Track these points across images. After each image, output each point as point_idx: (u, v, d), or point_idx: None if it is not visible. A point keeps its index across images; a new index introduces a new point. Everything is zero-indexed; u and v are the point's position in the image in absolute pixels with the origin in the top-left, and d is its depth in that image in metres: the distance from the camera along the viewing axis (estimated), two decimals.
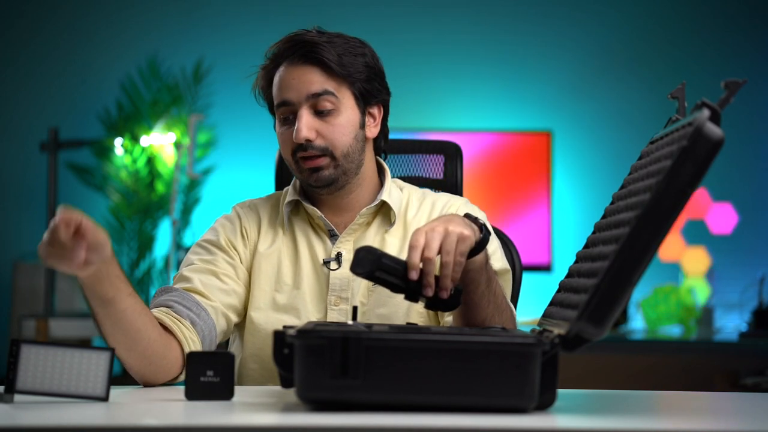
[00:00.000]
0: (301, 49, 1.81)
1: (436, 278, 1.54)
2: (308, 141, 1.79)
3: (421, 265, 1.54)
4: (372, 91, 1.86)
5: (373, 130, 1.88)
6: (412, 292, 1.55)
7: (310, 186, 1.85)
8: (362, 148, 1.86)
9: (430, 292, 1.53)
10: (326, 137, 1.80)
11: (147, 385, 1.69)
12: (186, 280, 1.82)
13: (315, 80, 1.80)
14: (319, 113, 1.80)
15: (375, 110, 1.88)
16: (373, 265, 1.53)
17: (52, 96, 5.12)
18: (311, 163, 1.81)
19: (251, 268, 1.88)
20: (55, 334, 4.36)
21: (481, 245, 1.61)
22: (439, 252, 1.54)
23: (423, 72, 4.99)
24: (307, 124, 1.79)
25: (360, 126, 1.85)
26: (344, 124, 1.82)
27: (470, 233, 1.56)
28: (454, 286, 1.55)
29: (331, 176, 1.82)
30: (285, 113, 1.82)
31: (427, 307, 1.57)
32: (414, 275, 1.53)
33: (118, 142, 4.72)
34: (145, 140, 4.72)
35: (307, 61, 1.81)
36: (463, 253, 1.55)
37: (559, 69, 5.03)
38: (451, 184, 2.14)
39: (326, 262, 1.85)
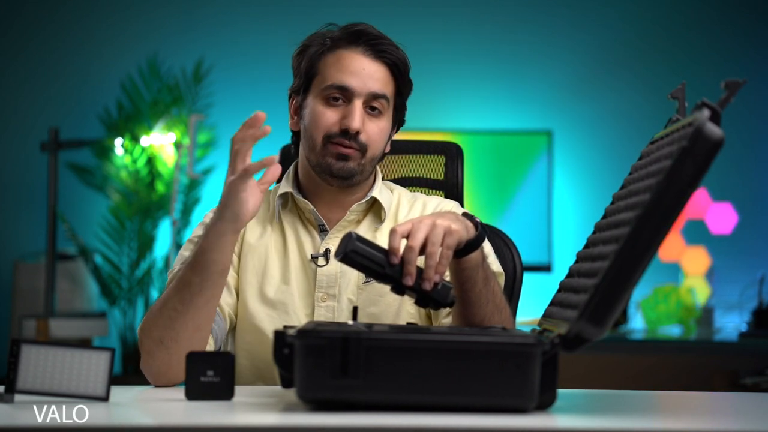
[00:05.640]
0: (378, 45, 1.82)
1: (421, 271, 1.53)
2: (357, 133, 1.79)
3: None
4: (403, 109, 1.90)
5: (388, 146, 1.90)
6: (393, 280, 1.53)
7: (328, 173, 1.82)
8: (381, 158, 1.88)
9: (410, 281, 1.51)
10: (369, 135, 1.81)
11: (161, 384, 1.68)
12: None
13: (381, 79, 1.81)
14: (368, 111, 1.81)
15: (394, 129, 1.91)
16: (345, 247, 1.52)
17: (52, 96, 5.12)
18: (344, 150, 1.80)
19: (239, 259, 1.88)
20: (55, 334, 4.36)
21: (476, 242, 1.60)
22: (426, 244, 1.52)
23: (423, 72, 4.95)
24: (361, 117, 1.79)
25: (389, 137, 1.88)
26: (384, 129, 1.84)
27: (459, 228, 1.55)
28: (441, 281, 1.53)
29: (354, 170, 1.81)
30: (336, 95, 1.80)
31: (417, 303, 1.55)
32: (394, 260, 1.52)
33: (119, 142, 4.72)
34: (145, 140, 4.72)
35: (379, 58, 1.82)
36: (450, 247, 1.53)
37: (559, 69, 5.03)
38: (451, 184, 2.13)
39: (314, 258, 1.85)
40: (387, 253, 1.52)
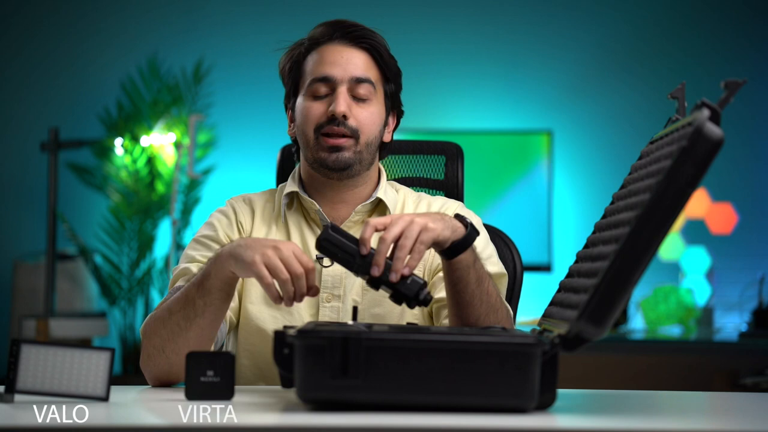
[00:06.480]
0: (354, 32, 1.84)
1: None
2: (344, 117, 1.79)
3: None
4: (397, 97, 1.91)
5: (387, 135, 1.90)
6: (362, 270, 1.54)
7: (324, 168, 1.82)
8: (378, 146, 1.87)
9: (376, 272, 1.53)
10: (359, 120, 1.81)
11: (157, 385, 1.69)
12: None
13: (361, 65, 1.83)
14: (355, 98, 1.82)
15: (391, 118, 1.91)
16: (320, 235, 1.55)
17: (52, 96, 5.12)
18: (335, 142, 1.80)
19: None
20: (55, 334, 4.35)
21: (464, 243, 1.60)
22: (399, 238, 1.53)
23: (423, 72, 4.99)
24: (346, 101, 1.80)
25: (383, 123, 1.87)
26: (375, 114, 1.84)
27: (437, 227, 1.56)
28: (411, 275, 1.54)
29: (349, 159, 1.81)
30: (320, 88, 1.82)
31: (392, 298, 1.56)
32: (363, 250, 1.54)
33: (118, 142, 4.72)
34: (145, 140, 4.72)
35: (357, 45, 1.84)
36: (423, 242, 1.54)
37: (559, 69, 5.03)
38: (452, 184, 2.14)
39: (319, 258, 1.84)
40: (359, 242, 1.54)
